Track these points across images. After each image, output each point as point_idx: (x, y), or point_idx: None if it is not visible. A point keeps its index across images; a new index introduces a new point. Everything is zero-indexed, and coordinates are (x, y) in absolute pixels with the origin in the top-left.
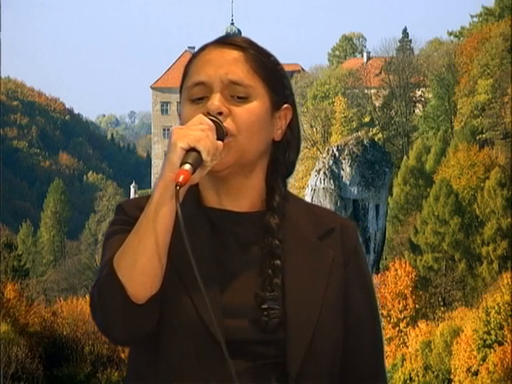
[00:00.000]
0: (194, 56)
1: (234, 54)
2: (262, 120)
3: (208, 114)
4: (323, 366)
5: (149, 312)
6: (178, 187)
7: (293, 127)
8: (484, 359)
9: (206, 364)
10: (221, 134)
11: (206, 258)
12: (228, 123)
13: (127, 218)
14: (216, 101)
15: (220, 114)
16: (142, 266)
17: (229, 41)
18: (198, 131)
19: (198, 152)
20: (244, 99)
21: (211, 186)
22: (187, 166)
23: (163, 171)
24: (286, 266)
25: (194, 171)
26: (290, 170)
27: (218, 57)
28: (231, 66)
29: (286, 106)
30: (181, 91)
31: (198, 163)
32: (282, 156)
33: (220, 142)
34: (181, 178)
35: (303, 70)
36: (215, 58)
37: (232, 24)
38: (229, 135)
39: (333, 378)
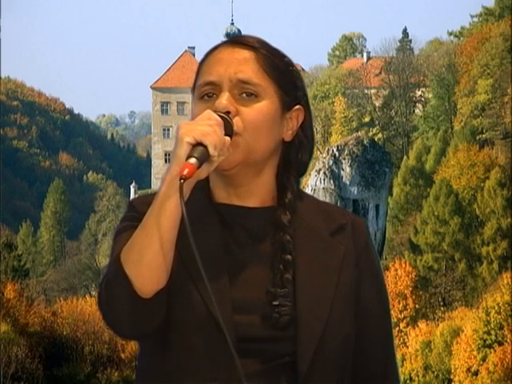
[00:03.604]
0: (207, 55)
1: (244, 54)
2: (271, 120)
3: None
4: (333, 362)
5: (156, 306)
6: (182, 180)
7: (305, 128)
8: (484, 359)
9: (216, 360)
10: (229, 129)
11: (215, 253)
12: (236, 122)
13: (136, 214)
14: (224, 100)
15: (228, 113)
16: (148, 261)
17: (241, 40)
18: (205, 126)
19: (205, 147)
20: (253, 97)
21: (221, 184)
22: (192, 160)
23: (170, 166)
24: (297, 262)
25: (200, 165)
26: (302, 170)
27: (229, 56)
28: (241, 65)
29: (297, 107)
30: (193, 90)
31: (204, 157)
32: (294, 156)
33: (228, 138)
34: (185, 172)
35: (303, 69)
36: (226, 57)
37: (232, 24)
38: (236, 134)
39: (343, 374)
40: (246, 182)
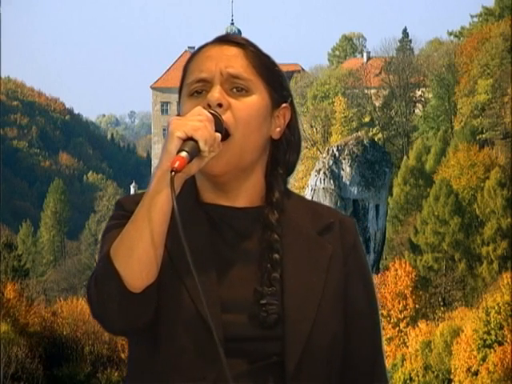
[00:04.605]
0: (194, 54)
1: (233, 51)
2: (261, 115)
3: (207, 106)
4: (321, 361)
5: (145, 301)
6: (172, 173)
7: (292, 128)
8: (484, 359)
9: (204, 358)
10: (219, 126)
11: (203, 252)
12: (227, 117)
13: (125, 212)
14: (216, 93)
15: (220, 106)
16: (138, 255)
17: (228, 38)
18: (195, 121)
19: (196, 142)
20: (243, 92)
21: (209, 185)
22: (183, 154)
23: (160, 160)
24: (284, 261)
25: (190, 160)
26: (290, 170)
27: (218, 52)
28: (230, 60)
29: (284, 105)
30: (180, 90)
31: (194, 152)
32: (281, 156)
33: (218, 134)
34: (176, 164)
35: (303, 69)
36: (215, 54)
37: (232, 24)
38: (227, 135)
39: (331, 374)
40: (235, 183)
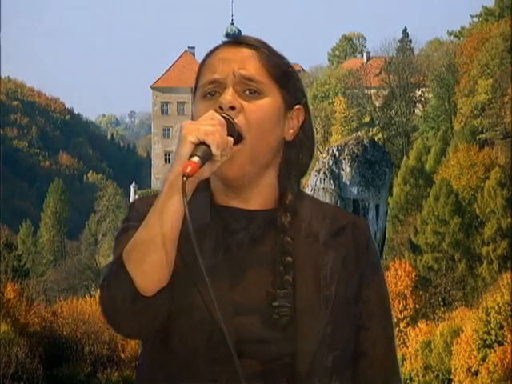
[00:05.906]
0: (207, 56)
1: (246, 52)
2: (274, 118)
3: (220, 109)
4: (333, 363)
5: (158, 305)
6: (184, 178)
7: (305, 129)
8: (484, 359)
9: (216, 361)
10: (232, 130)
11: (216, 254)
12: (240, 120)
13: (138, 215)
14: (228, 95)
15: (232, 108)
16: (150, 259)
17: (242, 40)
18: (208, 126)
19: (208, 146)
20: (256, 94)
21: (222, 187)
22: (195, 158)
23: (172, 165)
24: (297, 264)
25: (202, 164)
26: (303, 171)
27: (231, 54)
28: (243, 62)
29: (298, 106)
30: (194, 92)
31: (206, 157)
32: (294, 157)
33: (230, 138)
34: (188, 169)
35: (303, 70)
36: (228, 56)
37: (232, 24)
38: (239, 140)
39: (343, 376)
40: (248, 185)
